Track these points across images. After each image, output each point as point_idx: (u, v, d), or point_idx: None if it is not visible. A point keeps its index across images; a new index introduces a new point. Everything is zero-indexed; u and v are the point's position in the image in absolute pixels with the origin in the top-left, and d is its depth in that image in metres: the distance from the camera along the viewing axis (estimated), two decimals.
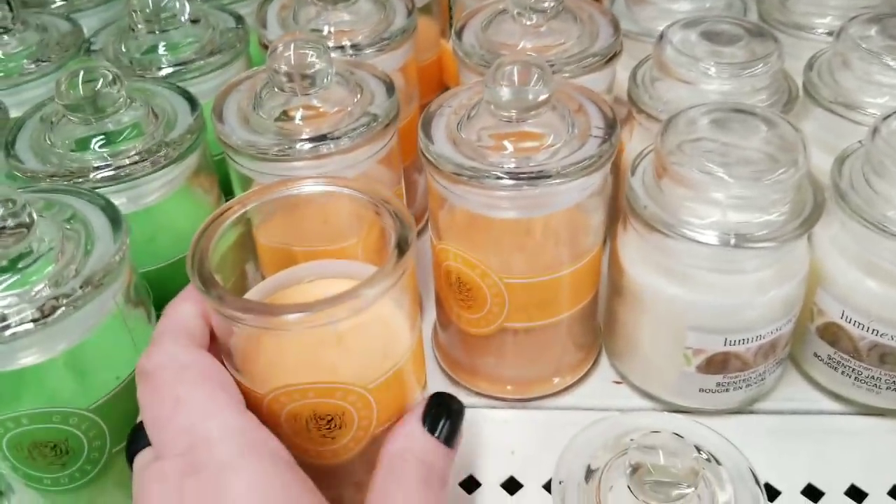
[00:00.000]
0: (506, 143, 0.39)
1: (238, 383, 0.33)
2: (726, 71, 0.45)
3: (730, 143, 0.40)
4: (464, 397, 0.46)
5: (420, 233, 0.58)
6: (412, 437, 0.33)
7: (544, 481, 0.42)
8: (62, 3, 0.56)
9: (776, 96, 0.46)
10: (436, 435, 0.34)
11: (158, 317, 0.41)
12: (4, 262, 0.33)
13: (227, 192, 0.47)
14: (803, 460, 0.43)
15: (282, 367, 0.33)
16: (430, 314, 0.50)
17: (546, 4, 0.46)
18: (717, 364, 0.42)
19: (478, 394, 0.46)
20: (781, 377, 0.46)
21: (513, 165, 0.38)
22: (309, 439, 0.34)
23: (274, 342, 0.33)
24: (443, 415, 0.34)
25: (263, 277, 0.48)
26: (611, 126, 0.40)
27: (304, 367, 0.33)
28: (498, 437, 0.44)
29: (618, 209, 0.48)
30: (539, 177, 0.37)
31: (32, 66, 0.48)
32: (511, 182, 0.37)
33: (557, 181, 0.37)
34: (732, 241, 0.38)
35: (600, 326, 0.49)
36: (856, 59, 0.46)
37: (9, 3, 0.49)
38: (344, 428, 0.34)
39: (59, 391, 0.35)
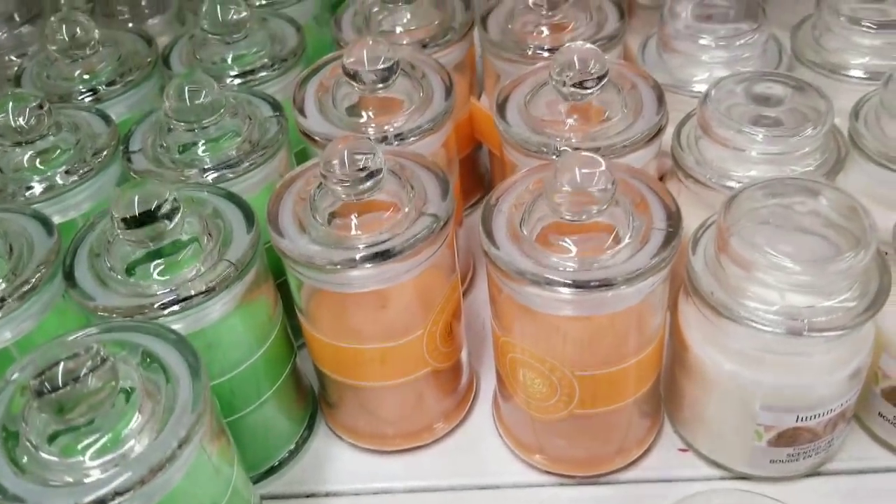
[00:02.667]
0: (569, 241, 0.39)
1: None
2: (775, 133, 0.45)
3: (796, 226, 0.40)
4: (530, 475, 0.47)
5: (464, 293, 0.58)
6: None
7: None
8: (88, 94, 0.54)
9: (825, 156, 0.46)
10: None
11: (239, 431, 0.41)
12: (89, 420, 0.33)
13: (279, 272, 0.46)
14: None
15: None
16: (491, 383, 0.51)
17: (590, 88, 0.45)
18: (787, 438, 0.42)
19: (545, 472, 0.47)
20: (847, 436, 0.46)
21: (576, 268, 0.38)
22: None
23: None
24: None
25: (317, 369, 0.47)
26: (674, 218, 0.39)
27: None
28: None
29: (675, 273, 0.48)
30: (604, 285, 0.37)
31: (73, 176, 0.47)
32: (574, 290, 0.37)
33: (624, 287, 0.37)
34: (805, 332, 0.38)
35: (661, 392, 0.49)
36: None
37: (40, 105, 0.48)
38: None
39: None
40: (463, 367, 0.50)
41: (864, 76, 0.52)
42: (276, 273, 0.46)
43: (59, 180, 0.47)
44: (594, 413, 0.43)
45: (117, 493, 0.32)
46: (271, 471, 0.48)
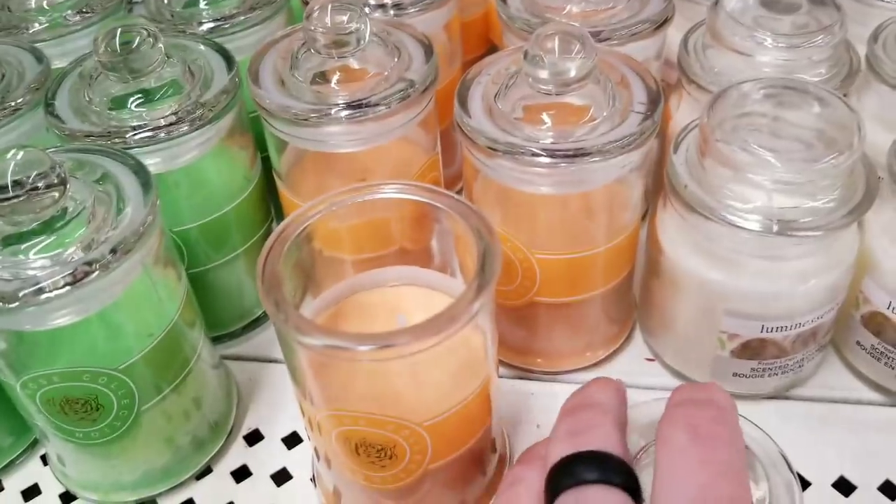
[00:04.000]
0: (544, 116, 0.38)
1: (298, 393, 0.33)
2: (784, 42, 0.43)
3: (780, 123, 0.38)
4: None
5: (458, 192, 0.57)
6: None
7: None
8: None
9: (836, 69, 0.44)
10: None
11: (190, 275, 0.41)
12: (37, 225, 0.34)
13: (261, 148, 0.46)
14: (838, 451, 0.41)
15: (338, 389, 0.33)
16: None
17: None
18: (752, 349, 0.41)
19: (505, 364, 0.46)
20: (821, 363, 0.44)
21: (550, 141, 0.37)
22: (359, 462, 0.34)
23: (338, 365, 0.33)
24: None
25: None
26: (654, 101, 0.38)
27: (359, 394, 0.33)
28: (523, 410, 0.44)
29: (661, 180, 0.46)
30: (577, 154, 0.36)
31: (77, 17, 0.48)
32: (548, 160, 0.36)
33: (596, 159, 0.36)
34: (775, 229, 0.36)
35: (636, 299, 0.47)
36: None
37: None
38: (395, 459, 0.34)
39: (90, 350, 0.36)
40: (434, 253, 0.49)
41: None
42: (262, 147, 0.46)
43: (63, 21, 0.48)
44: (556, 303, 0.42)
45: (49, 288, 0.32)
46: (241, 331, 0.49)
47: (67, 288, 0.32)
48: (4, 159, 0.34)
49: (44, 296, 0.32)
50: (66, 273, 0.32)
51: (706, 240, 0.39)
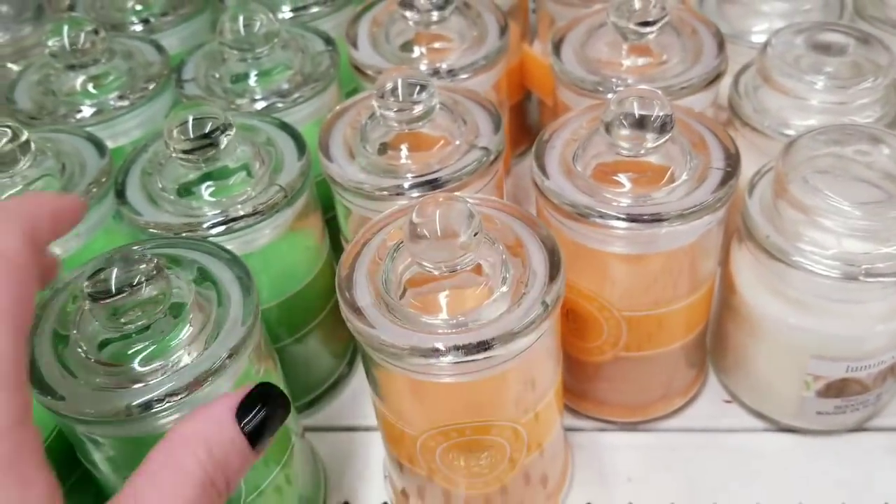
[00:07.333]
0: (623, 177, 0.38)
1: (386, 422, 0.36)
2: (835, 84, 0.44)
3: (854, 176, 0.39)
4: (570, 420, 0.46)
5: None
6: (213, 421, 0.28)
7: None
8: (140, 25, 0.55)
9: (886, 108, 0.45)
10: (243, 426, 0.28)
11: (281, 360, 0.41)
12: (141, 327, 0.33)
13: (327, 207, 0.46)
14: None
15: (436, 407, 0.35)
16: None
17: (650, 26, 0.44)
18: (836, 389, 0.42)
19: (585, 416, 0.46)
20: (895, 392, 0.46)
21: (630, 203, 0.37)
22: (464, 471, 0.37)
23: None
24: (258, 405, 0.29)
25: None
26: (733, 158, 0.39)
27: (458, 408, 0.35)
28: (610, 462, 0.44)
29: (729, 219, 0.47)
30: (658, 219, 0.37)
31: (125, 101, 0.47)
32: (628, 224, 0.37)
33: (678, 223, 0.37)
34: (862, 276, 0.37)
35: (706, 341, 0.48)
36: None
37: (96, 31, 0.48)
38: (495, 460, 0.37)
39: None
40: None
41: None
42: (325, 208, 0.46)
43: (110, 105, 0.47)
44: (640, 356, 0.43)
45: (162, 399, 0.32)
46: (310, 404, 0.49)
47: (180, 398, 0.32)
48: (107, 260, 0.33)
49: (155, 409, 0.32)
50: (177, 384, 0.32)
51: (785, 284, 0.40)
